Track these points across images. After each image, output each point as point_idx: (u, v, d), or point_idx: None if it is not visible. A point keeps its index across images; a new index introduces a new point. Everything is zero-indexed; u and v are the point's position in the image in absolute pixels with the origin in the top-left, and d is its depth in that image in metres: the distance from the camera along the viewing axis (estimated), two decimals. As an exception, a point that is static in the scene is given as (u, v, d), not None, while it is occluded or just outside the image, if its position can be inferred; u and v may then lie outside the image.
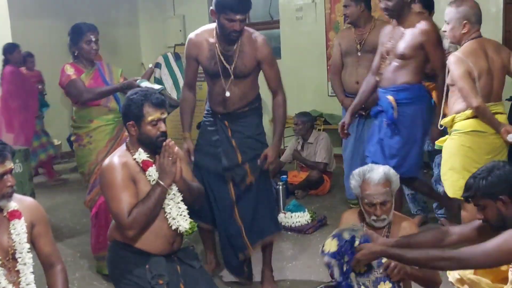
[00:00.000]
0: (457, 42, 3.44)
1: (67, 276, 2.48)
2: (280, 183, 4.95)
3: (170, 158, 2.58)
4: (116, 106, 3.77)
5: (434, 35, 3.66)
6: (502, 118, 3.37)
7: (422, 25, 3.63)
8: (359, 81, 4.33)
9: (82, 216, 5.07)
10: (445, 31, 3.47)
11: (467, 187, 2.32)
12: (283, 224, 4.48)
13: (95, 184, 3.66)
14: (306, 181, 5.41)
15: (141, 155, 2.62)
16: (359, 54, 4.44)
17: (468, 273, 2.83)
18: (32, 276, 2.31)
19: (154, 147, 2.63)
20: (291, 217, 4.52)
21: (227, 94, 3.26)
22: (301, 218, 4.49)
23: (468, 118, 3.32)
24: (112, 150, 3.67)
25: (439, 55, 3.69)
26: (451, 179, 3.38)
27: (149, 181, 2.59)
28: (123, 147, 2.71)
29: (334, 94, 4.91)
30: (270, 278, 3.45)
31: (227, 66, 3.22)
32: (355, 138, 4.56)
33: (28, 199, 2.45)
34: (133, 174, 2.59)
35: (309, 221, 4.49)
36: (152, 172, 2.60)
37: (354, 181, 2.66)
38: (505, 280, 2.78)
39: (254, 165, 3.31)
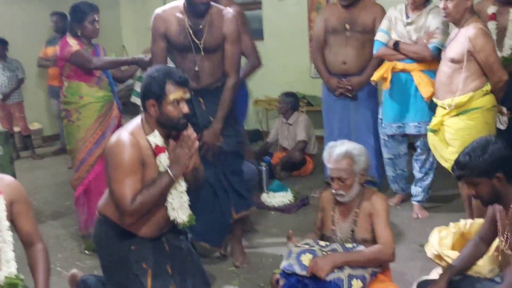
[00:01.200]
0: (457, 20, 3.41)
1: (48, 255, 2.44)
2: (264, 164, 4.98)
3: (187, 150, 2.46)
4: (107, 85, 3.79)
5: None
6: None
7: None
8: (347, 62, 4.30)
9: (65, 198, 5.08)
10: (444, 9, 3.43)
11: (461, 166, 2.26)
12: (266, 203, 4.53)
13: (83, 161, 3.66)
14: (288, 162, 5.44)
15: (156, 138, 2.48)
16: (347, 33, 4.28)
17: (446, 249, 2.89)
18: (12, 254, 2.26)
19: (175, 128, 2.51)
20: (274, 197, 4.56)
21: (197, 68, 3.23)
22: (284, 198, 4.54)
23: (486, 94, 3.36)
24: (101, 128, 3.73)
25: None
26: None
27: (158, 167, 2.49)
28: (138, 121, 2.55)
29: (317, 76, 4.75)
30: (241, 250, 3.57)
31: (197, 41, 3.20)
32: (339, 120, 4.50)
33: (8, 178, 2.35)
34: (143, 156, 2.45)
35: (292, 200, 4.54)
36: (163, 159, 2.47)
37: (325, 153, 2.76)
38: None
39: (228, 142, 3.33)
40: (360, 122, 4.44)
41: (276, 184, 4.72)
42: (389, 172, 4.33)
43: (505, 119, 3.48)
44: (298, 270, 2.58)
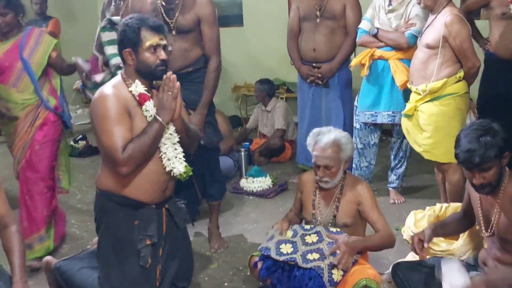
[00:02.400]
0: (430, 6, 3.46)
1: (22, 237, 2.41)
2: (243, 150, 5.00)
3: (170, 93, 2.42)
4: (29, 86, 3.34)
5: None
6: None
7: None
8: (316, 48, 4.34)
9: (41, 184, 5.02)
10: None
11: (482, 150, 2.18)
12: (244, 188, 4.55)
13: (16, 155, 3.44)
14: (267, 149, 5.45)
15: (138, 87, 2.45)
16: (318, 20, 4.31)
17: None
18: None
19: (153, 76, 2.49)
20: (253, 182, 4.58)
21: (169, 48, 3.12)
22: (262, 183, 4.56)
23: (459, 80, 3.40)
24: (32, 121, 3.37)
25: None
26: (448, 144, 3.16)
27: (146, 116, 2.45)
28: (119, 77, 2.53)
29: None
30: (218, 234, 3.59)
31: (168, 19, 3.16)
32: (311, 108, 4.54)
33: None
34: (128, 107, 2.42)
35: (270, 186, 4.56)
36: (150, 107, 2.44)
37: (310, 139, 2.76)
38: (456, 238, 2.91)
39: (205, 135, 3.29)
40: (331, 109, 4.47)
41: (255, 170, 4.75)
42: (355, 162, 4.27)
43: (474, 118, 3.54)
44: (273, 254, 2.62)
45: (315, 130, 2.80)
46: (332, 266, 2.54)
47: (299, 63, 4.51)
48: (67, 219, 4.05)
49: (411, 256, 3.07)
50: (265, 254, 2.66)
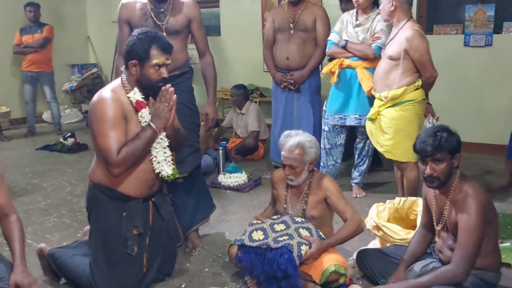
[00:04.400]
0: (387, 18, 3.57)
1: (22, 225, 2.39)
2: (220, 148, 5.01)
3: (167, 104, 2.42)
4: None
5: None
6: None
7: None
8: (289, 57, 4.39)
9: (32, 177, 4.95)
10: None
11: (433, 143, 2.28)
12: (222, 183, 4.55)
13: None
14: (242, 148, 5.47)
15: (136, 94, 2.44)
16: (291, 32, 4.37)
17: (383, 221, 3.00)
18: None
19: (152, 90, 2.47)
20: (230, 177, 4.59)
21: (168, 62, 3.08)
22: (238, 178, 4.57)
23: (417, 88, 3.47)
24: None
25: None
26: (407, 145, 3.33)
27: (140, 122, 2.45)
28: (118, 81, 2.50)
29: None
30: (195, 236, 3.31)
31: (159, 22, 3.08)
32: (284, 111, 4.56)
33: None
34: (125, 112, 2.41)
35: (246, 181, 4.57)
36: (145, 114, 2.44)
37: (280, 140, 2.80)
38: (414, 227, 2.97)
39: (189, 135, 3.04)
40: (301, 113, 4.51)
41: (232, 166, 4.76)
42: (323, 161, 4.31)
43: (434, 121, 3.61)
44: (247, 242, 2.65)
45: (286, 132, 2.83)
46: (301, 244, 2.58)
47: (274, 70, 4.55)
48: (58, 210, 4.01)
49: (372, 245, 3.14)
50: (240, 243, 2.69)
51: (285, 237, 2.62)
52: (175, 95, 2.45)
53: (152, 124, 2.43)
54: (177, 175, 2.58)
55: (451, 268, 2.28)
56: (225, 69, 6.93)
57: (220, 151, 4.94)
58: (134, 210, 2.55)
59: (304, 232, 2.66)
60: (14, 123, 7.40)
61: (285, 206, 2.87)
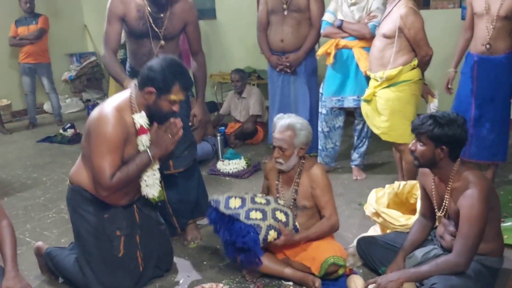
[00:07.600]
0: None
1: (13, 230, 2.32)
2: (219, 134, 4.87)
3: (171, 137, 2.35)
4: None
5: None
6: None
7: None
8: (284, 39, 4.23)
9: (32, 171, 4.85)
10: None
11: (423, 122, 2.22)
12: (221, 170, 4.44)
13: None
14: (242, 132, 5.34)
15: (142, 119, 2.33)
16: (285, 13, 4.19)
17: (382, 207, 2.89)
18: None
19: (158, 120, 2.37)
20: (229, 164, 4.47)
21: (155, 56, 2.89)
22: (237, 165, 4.45)
23: (413, 68, 3.32)
24: None
25: None
26: (403, 127, 3.28)
27: (138, 145, 2.36)
28: (125, 98, 2.36)
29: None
30: (193, 227, 3.21)
31: (156, 29, 2.92)
32: (281, 94, 4.43)
33: None
34: (126, 134, 2.30)
35: (245, 167, 4.46)
36: (145, 140, 2.35)
37: (273, 122, 2.74)
38: (414, 211, 2.86)
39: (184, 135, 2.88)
40: (298, 95, 4.38)
41: (230, 153, 4.63)
42: (321, 144, 4.20)
43: (436, 104, 3.44)
44: (221, 207, 2.57)
45: (279, 115, 2.76)
46: (270, 228, 2.49)
47: (268, 53, 4.39)
48: (57, 205, 3.92)
49: (373, 230, 3.03)
50: (214, 206, 2.59)
51: (259, 215, 2.52)
52: (181, 131, 2.37)
53: (149, 152, 2.34)
54: (163, 198, 2.53)
55: (453, 258, 2.17)
56: (221, 52, 6.77)
57: (219, 137, 4.81)
58: (115, 213, 2.48)
59: (280, 216, 2.56)
60: (15, 115, 7.30)
61: (277, 195, 2.77)
